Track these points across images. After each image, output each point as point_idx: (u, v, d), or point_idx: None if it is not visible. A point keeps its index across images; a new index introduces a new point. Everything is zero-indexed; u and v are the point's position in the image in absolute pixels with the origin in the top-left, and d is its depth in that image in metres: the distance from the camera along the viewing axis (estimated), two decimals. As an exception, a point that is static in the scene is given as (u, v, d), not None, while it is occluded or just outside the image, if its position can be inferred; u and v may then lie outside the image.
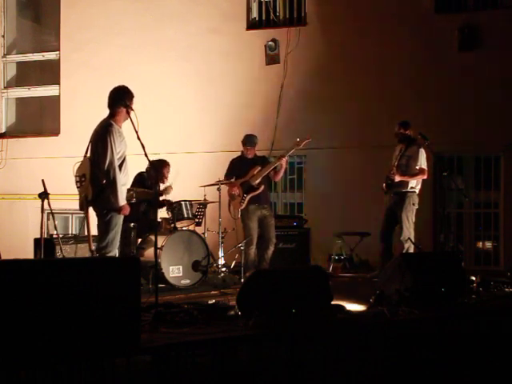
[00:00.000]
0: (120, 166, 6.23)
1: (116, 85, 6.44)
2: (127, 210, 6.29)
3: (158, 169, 8.13)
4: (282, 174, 8.50)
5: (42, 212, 7.61)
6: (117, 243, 6.29)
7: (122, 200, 6.23)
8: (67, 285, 4.04)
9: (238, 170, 8.45)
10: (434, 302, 6.01)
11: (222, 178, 8.56)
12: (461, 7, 10.61)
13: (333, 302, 5.68)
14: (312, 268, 6.94)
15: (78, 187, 6.38)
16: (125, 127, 6.33)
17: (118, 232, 6.30)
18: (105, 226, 6.21)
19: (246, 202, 8.26)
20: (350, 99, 10.78)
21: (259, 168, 8.35)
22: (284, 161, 8.24)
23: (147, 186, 8.02)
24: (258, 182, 8.30)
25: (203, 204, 8.84)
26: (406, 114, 9.15)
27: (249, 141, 8.49)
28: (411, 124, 8.52)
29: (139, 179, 8.23)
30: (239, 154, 8.65)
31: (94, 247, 6.56)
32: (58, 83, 12.52)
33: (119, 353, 4.23)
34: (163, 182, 8.36)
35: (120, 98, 6.27)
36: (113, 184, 6.15)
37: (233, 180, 8.41)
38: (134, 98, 6.32)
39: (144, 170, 8.39)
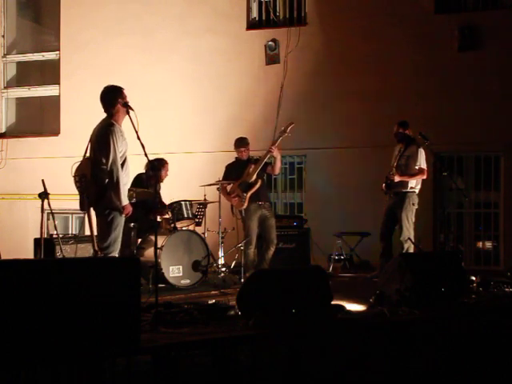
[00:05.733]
0: (121, 166, 6.22)
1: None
2: (129, 210, 6.27)
3: (158, 168, 8.16)
4: (279, 165, 8.44)
5: (42, 212, 7.61)
6: (119, 243, 6.26)
7: (125, 199, 6.21)
8: (67, 285, 4.04)
9: (235, 173, 8.48)
10: (434, 302, 6.01)
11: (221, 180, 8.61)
12: (461, 7, 10.61)
13: (333, 302, 5.68)
14: (312, 268, 6.95)
15: (77, 187, 6.36)
16: (125, 127, 6.32)
17: (121, 232, 6.27)
18: (107, 227, 6.19)
19: (246, 201, 8.27)
20: (349, 99, 10.78)
21: (253, 166, 8.39)
22: (274, 151, 8.22)
23: (145, 188, 8.04)
24: (254, 178, 8.33)
25: (203, 204, 8.84)
26: (406, 114, 9.16)
27: (241, 142, 8.53)
28: (410, 124, 8.53)
29: (137, 181, 8.23)
30: (234, 158, 8.68)
31: (97, 247, 6.56)
32: (58, 83, 12.53)
33: (119, 353, 4.23)
34: (161, 181, 8.36)
35: (113, 98, 6.24)
36: (115, 184, 6.13)
37: (230, 185, 8.44)
38: (124, 90, 6.28)
39: (143, 170, 8.41)
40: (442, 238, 10.08)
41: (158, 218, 8.40)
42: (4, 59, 13.08)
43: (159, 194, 8.42)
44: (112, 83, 6.44)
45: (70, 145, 11.18)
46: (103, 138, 6.19)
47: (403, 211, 8.24)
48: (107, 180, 6.15)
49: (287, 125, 8.35)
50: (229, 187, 8.51)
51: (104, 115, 6.37)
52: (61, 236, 8.28)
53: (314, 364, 5.01)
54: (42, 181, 7.53)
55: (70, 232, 11.83)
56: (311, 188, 11.18)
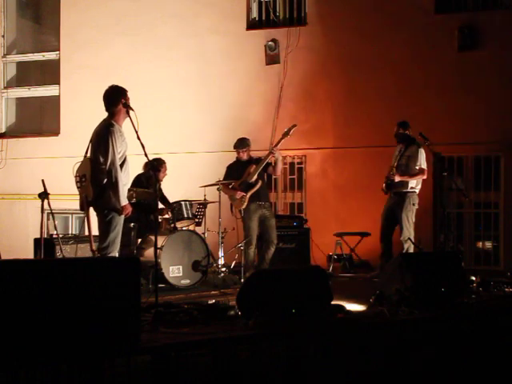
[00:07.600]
0: (121, 166, 6.22)
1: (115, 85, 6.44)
2: (129, 210, 6.26)
3: (157, 168, 8.20)
4: (280, 166, 8.42)
5: (42, 212, 7.61)
6: (118, 243, 6.26)
7: (124, 200, 6.21)
8: (67, 285, 4.04)
9: (235, 173, 8.47)
10: (434, 302, 6.02)
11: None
12: (461, 7, 10.60)
13: (333, 302, 5.69)
14: (312, 268, 6.94)
15: (78, 187, 6.37)
16: (125, 127, 6.33)
17: (120, 232, 6.28)
18: (106, 227, 6.20)
19: (246, 201, 8.27)
20: (349, 99, 10.78)
21: (254, 166, 8.38)
22: (276, 152, 8.20)
23: (145, 188, 8.04)
24: (254, 178, 8.32)
25: (203, 204, 8.85)
26: (406, 114, 9.16)
27: (241, 143, 8.50)
28: (410, 124, 8.53)
29: (137, 182, 8.24)
30: (235, 158, 8.66)
31: (95, 247, 6.56)
32: (58, 83, 12.53)
33: (119, 353, 4.23)
34: (160, 181, 8.38)
35: (116, 98, 6.25)
36: (114, 184, 6.13)
37: (232, 183, 8.42)
38: (127, 92, 6.30)
39: (142, 170, 8.43)
40: (441, 238, 10.07)
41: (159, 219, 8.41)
42: (4, 59, 13.08)
43: (161, 191, 8.46)
44: (112, 83, 6.44)
45: (70, 145, 11.18)
46: (102, 138, 6.20)
47: (403, 211, 8.24)
48: (106, 180, 6.15)
49: (290, 127, 8.30)
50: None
51: (104, 115, 6.37)
52: (61, 236, 8.28)
53: (314, 364, 5.01)
54: (42, 181, 7.53)
55: (70, 232, 11.83)
56: (311, 188, 11.18)
